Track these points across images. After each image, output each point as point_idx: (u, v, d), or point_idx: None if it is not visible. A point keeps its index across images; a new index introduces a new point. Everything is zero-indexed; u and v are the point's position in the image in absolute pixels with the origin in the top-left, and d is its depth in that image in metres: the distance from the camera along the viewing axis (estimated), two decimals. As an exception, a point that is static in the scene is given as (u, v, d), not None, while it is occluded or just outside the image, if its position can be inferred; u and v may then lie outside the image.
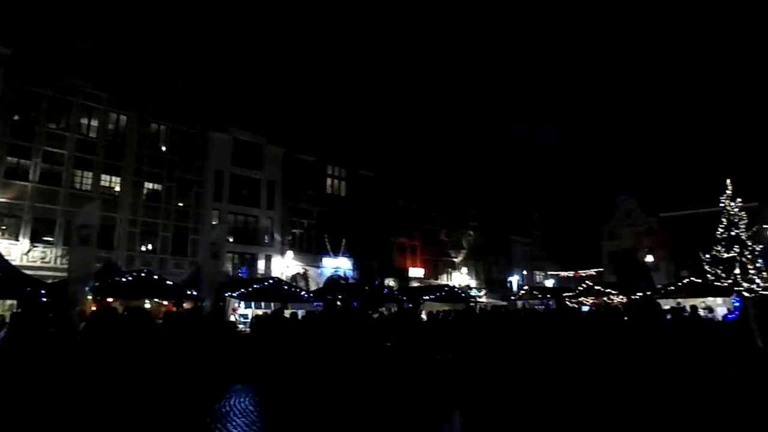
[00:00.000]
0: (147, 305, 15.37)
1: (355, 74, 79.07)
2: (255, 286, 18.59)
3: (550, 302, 24.18)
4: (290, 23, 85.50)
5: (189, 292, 16.02)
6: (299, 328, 11.25)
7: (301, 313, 14.81)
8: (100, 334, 8.52)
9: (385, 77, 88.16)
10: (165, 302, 16.02)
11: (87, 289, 12.63)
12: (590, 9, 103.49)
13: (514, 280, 48.46)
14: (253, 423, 8.02)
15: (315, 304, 19.10)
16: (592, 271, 46.43)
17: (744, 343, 11.62)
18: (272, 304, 18.38)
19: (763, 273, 28.60)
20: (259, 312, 17.86)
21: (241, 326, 17.15)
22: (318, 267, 33.72)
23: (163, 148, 28.91)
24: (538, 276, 53.70)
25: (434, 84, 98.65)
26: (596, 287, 23.61)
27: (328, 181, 36.73)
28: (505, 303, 30.72)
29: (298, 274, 32.68)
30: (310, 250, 34.02)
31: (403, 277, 38.38)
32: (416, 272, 40.02)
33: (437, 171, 45.32)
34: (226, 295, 17.38)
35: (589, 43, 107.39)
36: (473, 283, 44.57)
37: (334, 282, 32.00)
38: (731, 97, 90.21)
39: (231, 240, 29.25)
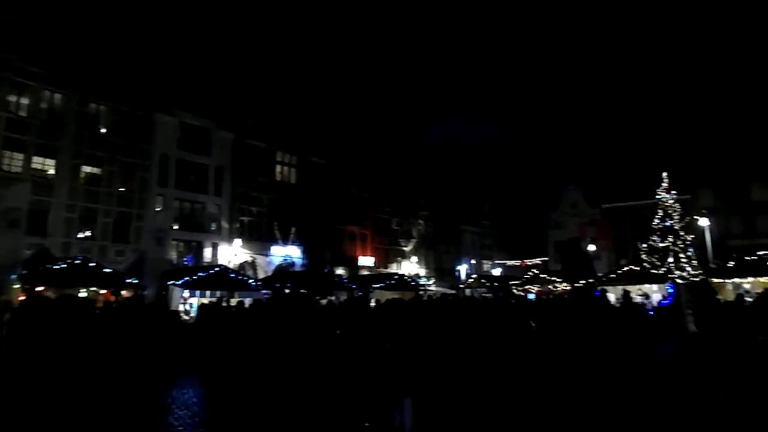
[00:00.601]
0: (83, 294, 14.63)
1: (308, 60, 77.87)
2: (200, 274, 18.08)
3: (499, 292, 24.66)
4: (241, 5, 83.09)
5: (128, 281, 15.35)
6: (245, 317, 10.96)
7: (248, 301, 14.50)
8: (28, 324, 7.98)
9: (339, 65, 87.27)
10: (102, 291, 15.29)
11: (14, 277, 11.82)
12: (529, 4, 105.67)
13: (463, 268, 49.26)
14: (196, 415, 7.75)
15: (263, 292, 18.75)
16: (538, 260, 47.84)
17: (677, 327, 12.20)
18: (218, 292, 17.90)
19: (693, 261, 30.27)
20: (205, 301, 17.36)
21: (187, 316, 16.64)
22: (267, 255, 33.14)
23: (104, 130, 27.45)
24: (486, 265, 54.85)
25: (390, 74, 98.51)
26: (542, 275, 24.27)
27: (279, 168, 36.04)
28: (453, 291, 31.17)
29: (246, 262, 32.03)
30: (259, 238, 33.38)
31: (353, 265, 38.30)
32: (366, 261, 40.03)
33: (389, 160, 45.37)
34: (170, 283, 16.78)
35: (538, 39, 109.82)
36: (423, 271, 45.05)
37: (283, 270, 31.55)
38: (669, 94, 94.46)
39: (176, 227, 28.30)
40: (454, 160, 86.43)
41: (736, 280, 19.03)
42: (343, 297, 19.11)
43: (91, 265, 15.15)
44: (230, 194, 32.48)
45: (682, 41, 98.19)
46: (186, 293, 18.12)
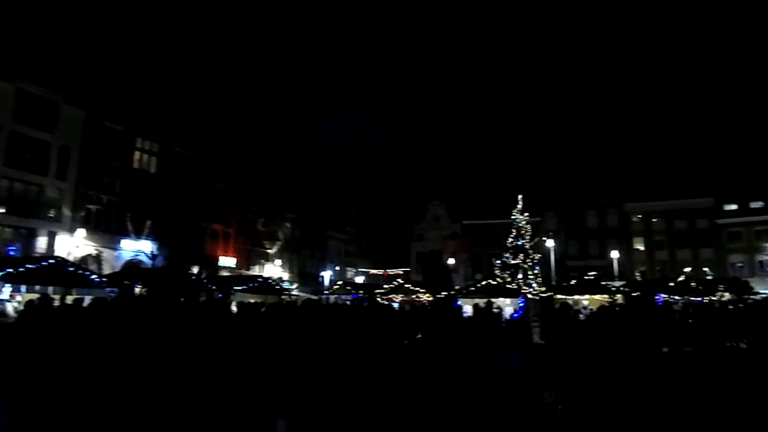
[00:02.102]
0: None
1: (180, 46, 72.83)
2: (28, 266, 15.56)
3: (364, 300, 24.66)
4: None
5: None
6: (79, 317, 9.48)
7: (88, 299, 12.74)
8: None
9: (216, 58, 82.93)
10: None
11: None
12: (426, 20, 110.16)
13: (327, 274, 49.04)
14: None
15: (108, 290, 16.70)
16: (400, 270, 49.13)
17: (525, 338, 13.05)
18: (51, 288, 15.60)
19: (539, 279, 33.20)
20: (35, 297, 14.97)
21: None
22: (115, 249, 29.97)
23: None
24: (350, 272, 55.21)
25: (264, 74, 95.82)
26: (406, 285, 24.79)
27: (137, 154, 32.89)
28: (316, 297, 30.69)
29: (90, 255, 28.65)
30: (108, 230, 30.09)
31: (212, 265, 36.16)
32: (228, 261, 38.08)
33: (261, 159, 43.88)
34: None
35: (418, 55, 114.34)
36: (286, 275, 43.99)
37: (134, 266, 28.72)
38: (527, 122, 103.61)
39: (2, 210, 24.47)
40: (327, 165, 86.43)
41: (576, 297, 21.02)
42: (202, 298, 17.71)
43: None
44: (76, 178, 28.87)
45: (549, 74, 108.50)
46: (7, 288, 15.52)
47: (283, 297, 21.49)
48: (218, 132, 39.99)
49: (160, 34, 69.38)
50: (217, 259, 37.12)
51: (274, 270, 42.50)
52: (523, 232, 34.60)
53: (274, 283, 24.44)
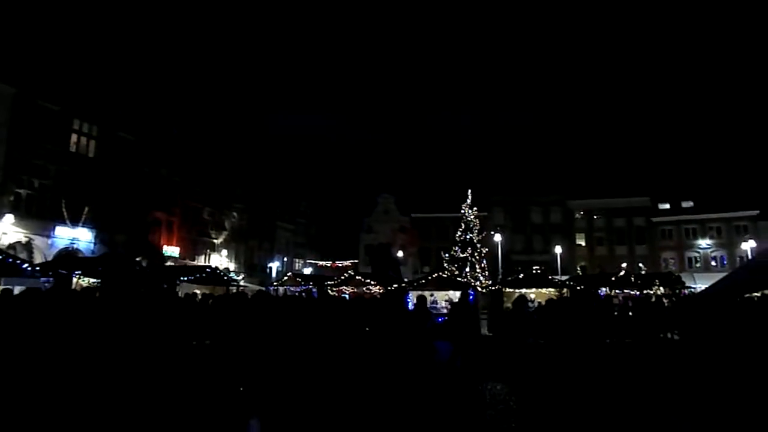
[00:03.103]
0: None
1: (128, 24, 69.29)
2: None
3: (313, 290, 24.42)
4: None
5: None
6: (10, 308, 8.83)
7: (18, 289, 11.95)
8: None
9: (165, 42, 79.47)
10: None
11: None
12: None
13: (275, 265, 48.33)
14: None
15: (42, 280, 15.71)
16: (348, 262, 48.96)
17: (473, 330, 13.29)
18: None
19: (486, 272, 33.89)
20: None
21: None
22: (49, 237, 28.26)
23: None
24: (298, 263, 54.61)
25: (216, 62, 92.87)
26: (357, 277, 24.68)
27: (75, 137, 31.01)
28: (263, 288, 30.17)
29: (19, 242, 26.87)
30: (41, 216, 28.29)
31: (159, 254, 34.83)
32: (171, 251, 36.77)
33: (208, 146, 42.51)
34: None
35: (370, 50, 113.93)
36: (232, 266, 43.02)
37: (70, 255, 27.22)
38: (477, 119, 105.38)
39: None
40: (277, 155, 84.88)
41: (524, 290, 21.58)
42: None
43: None
44: (4, 160, 26.96)
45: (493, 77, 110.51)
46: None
47: (230, 288, 20.91)
48: (163, 116, 38.43)
49: (106, 10, 65.76)
50: (161, 249, 35.79)
51: (219, 260, 41.46)
52: (472, 226, 35.19)
53: (222, 273, 23.76)
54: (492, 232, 39.38)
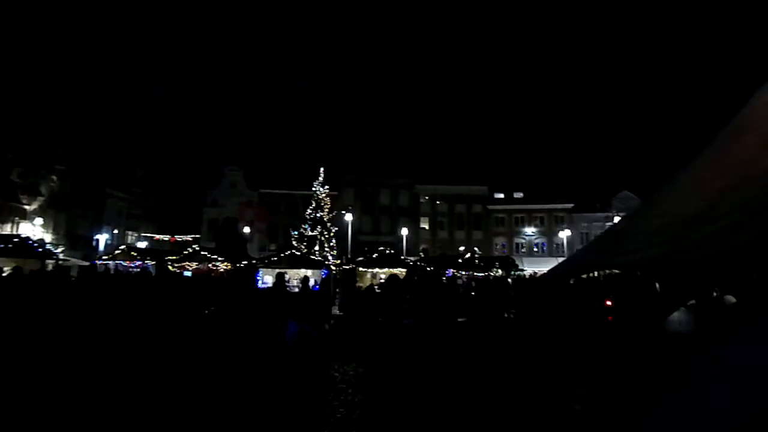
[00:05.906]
0: None
1: None
2: None
3: (148, 265, 22.07)
4: None
5: None
6: None
7: None
8: None
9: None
10: None
11: None
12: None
13: (103, 238, 43.28)
14: None
15: None
16: (189, 237, 45.70)
17: (325, 310, 13.05)
18: None
19: (334, 251, 33.88)
20: None
21: None
22: None
23: None
24: (131, 236, 49.70)
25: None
26: (202, 253, 22.84)
27: None
28: (87, 263, 26.67)
29: None
30: None
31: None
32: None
33: (22, 95, 36.37)
34: None
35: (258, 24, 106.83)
36: (49, 237, 37.55)
37: None
38: (335, 96, 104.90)
39: None
40: (112, 113, 75.97)
41: (376, 269, 21.76)
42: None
43: None
44: None
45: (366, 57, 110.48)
46: None
47: (48, 262, 17.95)
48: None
49: None
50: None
51: (33, 230, 35.89)
52: (322, 204, 34.82)
53: (36, 245, 20.31)
54: (343, 212, 39.45)
